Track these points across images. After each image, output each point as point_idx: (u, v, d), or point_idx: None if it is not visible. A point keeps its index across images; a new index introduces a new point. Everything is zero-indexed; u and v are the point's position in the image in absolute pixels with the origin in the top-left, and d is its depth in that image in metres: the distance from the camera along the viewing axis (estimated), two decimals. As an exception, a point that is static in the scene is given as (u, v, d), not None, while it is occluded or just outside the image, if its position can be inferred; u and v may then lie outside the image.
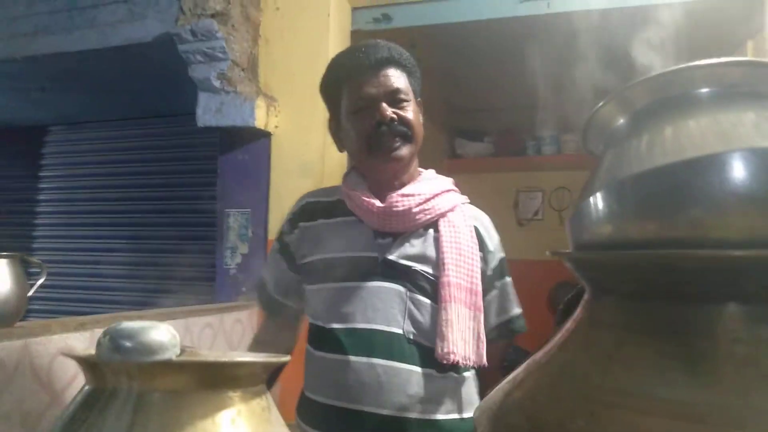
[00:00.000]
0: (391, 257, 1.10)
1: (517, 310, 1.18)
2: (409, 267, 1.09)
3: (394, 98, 1.10)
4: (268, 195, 2.30)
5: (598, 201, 0.36)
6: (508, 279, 1.19)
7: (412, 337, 1.06)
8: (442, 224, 1.12)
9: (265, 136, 2.31)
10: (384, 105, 1.08)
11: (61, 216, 3.13)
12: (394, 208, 1.10)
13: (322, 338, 1.09)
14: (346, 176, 1.23)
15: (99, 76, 2.62)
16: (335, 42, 2.34)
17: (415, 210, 1.10)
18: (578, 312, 0.41)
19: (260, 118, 2.22)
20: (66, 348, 1.41)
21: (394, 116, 1.08)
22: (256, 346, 1.32)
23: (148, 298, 2.65)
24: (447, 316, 1.04)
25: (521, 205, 4.03)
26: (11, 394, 1.27)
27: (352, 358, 1.05)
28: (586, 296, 0.41)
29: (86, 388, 0.53)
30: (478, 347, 1.06)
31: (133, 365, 0.48)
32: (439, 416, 1.06)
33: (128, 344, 0.49)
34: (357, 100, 1.10)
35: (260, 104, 2.22)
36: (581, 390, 0.33)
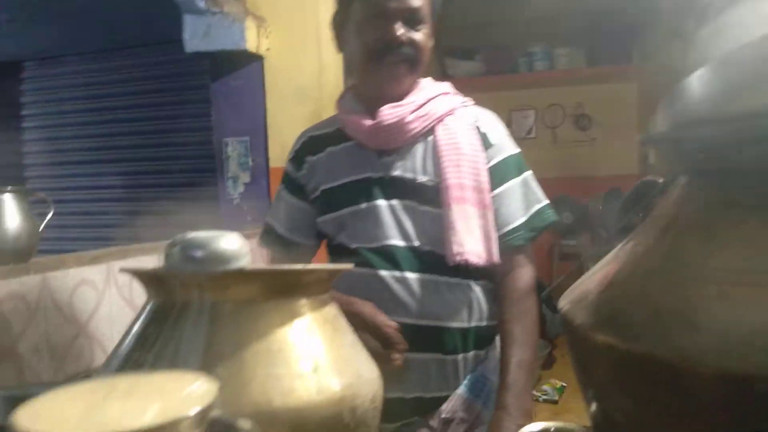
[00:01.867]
0: (396, 173, 1.10)
1: (542, 202, 1.14)
2: (413, 180, 1.09)
3: (411, 18, 1.06)
4: (266, 121, 2.24)
5: (706, 75, 0.34)
6: (528, 173, 1.15)
7: (427, 249, 1.07)
8: (440, 129, 1.11)
9: (256, 59, 2.21)
10: (398, 24, 1.04)
11: (48, 155, 3.04)
12: (385, 122, 1.08)
13: (343, 261, 1.09)
14: (340, 100, 1.19)
15: (71, 3, 2.46)
16: (324, -46, 2.20)
17: (408, 119, 1.08)
18: (671, 198, 0.40)
19: (251, 41, 2.12)
20: (82, 280, 1.40)
21: (405, 40, 1.05)
22: None
23: (151, 233, 2.63)
24: (450, 218, 1.04)
25: (514, 125, 3.99)
26: (37, 327, 1.28)
27: (382, 272, 1.06)
28: (683, 180, 0.40)
29: (151, 303, 0.52)
30: (489, 245, 1.06)
31: (206, 276, 0.47)
32: (465, 324, 1.09)
33: (200, 254, 0.48)
34: (373, 7, 1.05)
35: (250, 25, 2.12)
36: (702, 272, 0.33)
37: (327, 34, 2.22)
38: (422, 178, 1.09)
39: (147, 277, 0.53)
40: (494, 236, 1.08)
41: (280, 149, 2.24)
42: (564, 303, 0.43)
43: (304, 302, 0.50)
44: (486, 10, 3.60)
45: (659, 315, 0.33)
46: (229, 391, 0.40)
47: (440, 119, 1.11)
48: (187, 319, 0.47)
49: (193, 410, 0.28)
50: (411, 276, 1.06)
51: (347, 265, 0.59)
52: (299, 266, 0.51)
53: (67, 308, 1.36)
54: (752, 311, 0.31)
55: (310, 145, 1.20)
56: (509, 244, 1.10)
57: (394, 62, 1.06)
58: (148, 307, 0.53)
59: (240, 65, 2.23)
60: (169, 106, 2.58)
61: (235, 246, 0.49)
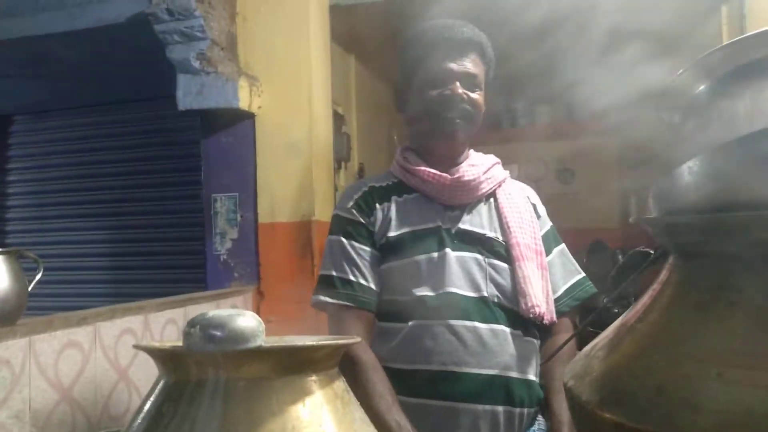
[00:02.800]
0: (464, 227, 1.16)
1: (582, 274, 1.23)
2: (483, 234, 1.16)
3: (469, 82, 1.16)
4: (256, 177, 2.27)
5: (697, 166, 0.37)
6: (563, 245, 1.25)
7: (496, 300, 1.11)
8: (500, 193, 1.21)
9: (248, 117, 2.26)
10: (457, 84, 1.14)
11: (34, 209, 3.02)
12: (465, 178, 1.16)
13: (409, 309, 1.10)
14: (401, 157, 1.25)
15: (67, 60, 2.51)
16: (315, 16, 2.29)
17: (481, 179, 1.18)
18: (667, 275, 0.42)
19: (243, 99, 2.17)
20: (68, 343, 1.38)
21: (464, 97, 1.14)
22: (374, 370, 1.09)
23: (137, 289, 2.60)
24: (523, 273, 1.11)
25: (498, 177, 4.07)
26: (20, 392, 1.24)
27: (451, 322, 1.07)
28: (673, 261, 0.42)
29: (165, 381, 0.52)
30: (549, 303, 1.13)
31: (223, 354, 0.47)
32: (530, 377, 1.11)
33: (219, 333, 0.48)
34: (435, 71, 1.15)
35: (243, 84, 2.17)
36: (700, 352, 0.35)
37: (319, 92, 2.31)
38: (490, 234, 1.16)
39: (161, 355, 0.53)
40: (552, 296, 1.15)
41: (268, 205, 2.26)
42: (568, 379, 0.44)
43: (315, 378, 0.50)
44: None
45: (662, 393, 0.35)
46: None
47: (499, 185, 1.22)
48: (202, 397, 0.47)
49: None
50: (481, 326, 1.07)
51: (355, 339, 0.59)
52: (310, 342, 0.51)
53: (52, 372, 1.32)
54: (748, 392, 0.33)
55: (374, 194, 1.21)
56: (558, 309, 1.16)
57: (452, 118, 1.15)
58: (161, 384, 0.53)
59: (232, 122, 2.27)
60: (159, 160, 2.60)
61: (253, 324, 0.50)
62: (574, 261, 1.25)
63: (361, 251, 1.16)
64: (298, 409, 0.47)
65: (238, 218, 2.29)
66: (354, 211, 1.20)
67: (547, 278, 1.16)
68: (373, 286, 1.14)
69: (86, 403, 1.41)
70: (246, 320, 0.50)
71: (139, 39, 2.21)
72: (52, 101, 2.94)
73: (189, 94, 2.17)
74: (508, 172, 1.29)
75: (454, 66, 1.14)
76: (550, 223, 1.28)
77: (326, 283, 1.17)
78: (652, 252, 0.68)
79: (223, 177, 2.30)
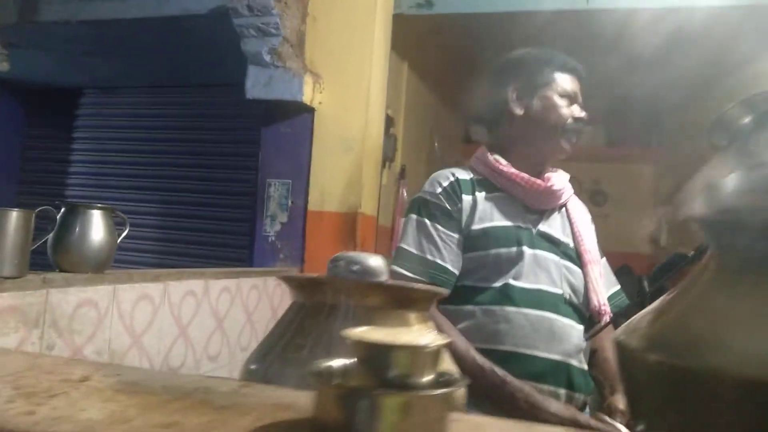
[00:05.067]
0: (544, 229, 1.28)
1: (618, 286, 1.39)
2: (558, 238, 1.29)
3: (578, 104, 1.32)
4: (309, 168, 2.43)
5: (737, 178, 0.49)
6: (605, 258, 1.40)
7: (568, 297, 1.24)
8: (570, 204, 1.36)
9: (308, 111, 2.42)
10: (577, 105, 1.30)
11: (93, 177, 3.22)
12: (555, 186, 1.29)
13: (487, 295, 1.20)
14: (491, 157, 1.32)
15: (144, 42, 2.70)
16: (380, 23, 2.45)
17: (564, 189, 1.32)
18: (705, 263, 0.54)
19: (307, 94, 2.33)
20: (143, 295, 1.54)
21: (586, 119, 1.31)
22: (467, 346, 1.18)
23: (183, 262, 2.77)
24: (593, 275, 1.26)
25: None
26: (102, 332, 1.41)
27: (526, 310, 1.19)
28: (711, 252, 0.54)
29: (302, 304, 0.65)
30: (606, 305, 1.28)
31: (358, 284, 0.61)
32: (585, 367, 1.24)
33: (357, 267, 0.62)
34: (565, 89, 1.30)
35: (307, 81, 2.33)
36: (729, 312, 0.47)
37: (375, 94, 2.46)
38: (564, 239, 1.30)
39: (299, 283, 0.66)
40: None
41: (319, 194, 2.41)
42: (619, 335, 0.57)
43: (416, 314, 0.64)
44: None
45: (698, 340, 0.47)
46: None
47: (570, 197, 1.37)
48: (336, 316, 0.60)
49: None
50: (553, 317, 1.20)
51: (444, 290, 0.72)
52: (413, 285, 0.65)
53: (128, 319, 1.48)
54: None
55: (460, 185, 1.30)
56: (617, 301, 1.34)
57: (571, 137, 1.30)
58: (296, 307, 0.66)
59: (292, 114, 2.44)
60: (219, 144, 2.77)
61: (381, 264, 0.64)
62: (612, 273, 1.40)
63: (444, 235, 1.23)
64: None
65: (289, 204, 2.44)
66: (442, 197, 1.27)
67: (604, 284, 1.31)
68: (451, 267, 1.22)
69: (152, 351, 1.57)
70: (377, 261, 0.63)
71: (215, 30, 2.39)
72: (122, 78, 3.14)
73: (257, 85, 2.34)
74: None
75: (576, 89, 1.31)
76: (596, 235, 1.41)
77: (404, 257, 1.24)
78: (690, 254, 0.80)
79: (279, 164, 2.47)
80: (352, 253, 0.65)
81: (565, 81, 1.30)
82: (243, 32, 2.27)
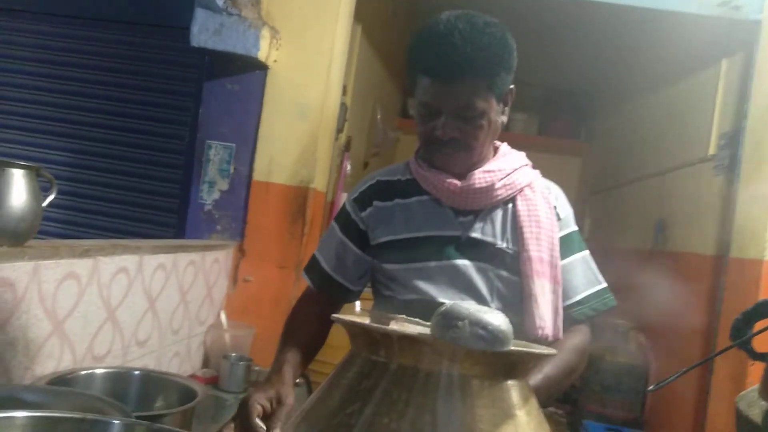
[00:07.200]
0: (474, 235, 1.11)
1: (603, 285, 1.17)
2: (493, 244, 1.10)
3: (461, 114, 1.04)
4: (257, 132, 2.18)
5: None
6: (587, 251, 1.18)
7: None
8: (519, 199, 1.13)
9: (261, 68, 2.16)
10: (440, 120, 1.05)
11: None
12: (476, 185, 1.10)
13: (403, 310, 1.05)
14: (417, 155, 1.18)
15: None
16: (347, -19, 2.22)
17: (497, 185, 1.11)
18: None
19: (263, 49, 2.07)
20: (69, 273, 1.28)
21: (444, 138, 1.06)
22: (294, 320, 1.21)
23: (105, 222, 2.44)
24: (531, 291, 1.07)
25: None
26: (18, 319, 1.15)
27: None
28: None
29: (387, 363, 0.48)
30: (556, 320, 1.09)
31: (480, 353, 0.45)
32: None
33: (485, 333, 0.46)
34: (421, 102, 1.07)
35: (264, 34, 2.07)
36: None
37: (339, 57, 2.24)
38: (501, 244, 1.10)
39: (394, 337, 0.48)
40: (561, 312, 1.10)
41: (266, 163, 2.18)
42: (738, 402, 0.49)
43: (519, 384, 0.50)
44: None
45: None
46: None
47: (521, 190, 1.13)
48: (438, 389, 0.45)
49: None
50: None
51: (551, 351, 0.58)
52: (534, 350, 0.50)
53: (50, 302, 1.23)
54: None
55: (378, 189, 1.18)
56: (572, 316, 1.12)
57: (440, 153, 1.09)
58: (368, 365, 0.49)
59: (242, 70, 2.17)
60: (153, 92, 2.43)
61: (509, 329, 0.48)
62: (597, 271, 1.18)
63: (345, 243, 1.19)
64: (524, 412, 0.47)
65: (231, 170, 2.20)
66: (351, 202, 1.19)
67: (560, 293, 1.11)
68: (344, 282, 1.20)
69: (75, 339, 1.33)
70: (506, 323, 0.48)
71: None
72: (37, 2, 2.66)
73: (205, 32, 2.05)
74: (537, 172, 1.19)
75: (436, 103, 1.04)
76: (575, 227, 1.19)
77: (310, 262, 1.25)
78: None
79: (222, 125, 2.20)
80: (471, 308, 0.49)
81: (425, 88, 1.05)
82: (193, -32, 1.96)
